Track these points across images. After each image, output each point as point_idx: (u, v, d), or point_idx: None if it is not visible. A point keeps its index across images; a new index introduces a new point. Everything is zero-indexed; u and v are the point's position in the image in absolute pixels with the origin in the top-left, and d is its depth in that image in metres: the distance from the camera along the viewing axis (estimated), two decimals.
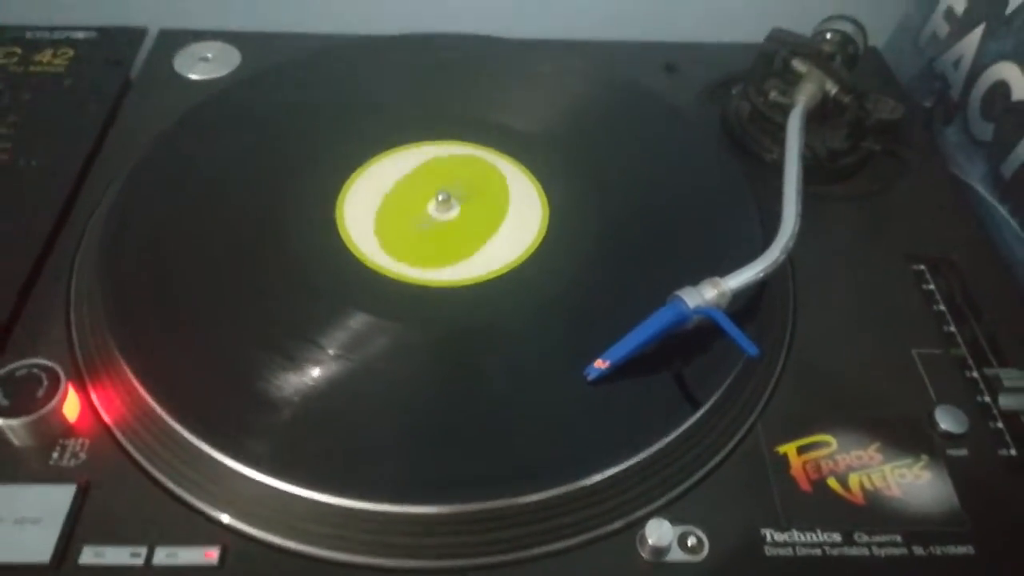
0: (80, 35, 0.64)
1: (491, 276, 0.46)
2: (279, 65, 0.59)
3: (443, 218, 0.50)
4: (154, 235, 0.47)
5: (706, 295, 0.41)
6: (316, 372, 0.41)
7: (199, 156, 0.52)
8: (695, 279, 0.42)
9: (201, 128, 0.54)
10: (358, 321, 0.43)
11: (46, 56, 0.62)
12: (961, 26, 0.59)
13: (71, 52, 0.62)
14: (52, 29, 0.64)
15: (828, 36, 0.56)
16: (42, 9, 0.65)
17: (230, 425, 0.39)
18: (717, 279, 0.41)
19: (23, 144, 0.54)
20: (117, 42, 0.63)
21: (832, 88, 0.52)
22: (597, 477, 0.38)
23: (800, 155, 0.48)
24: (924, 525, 0.39)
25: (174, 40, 0.64)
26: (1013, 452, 0.41)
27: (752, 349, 0.39)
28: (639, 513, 0.38)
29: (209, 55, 0.63)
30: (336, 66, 0.60)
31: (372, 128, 0.55)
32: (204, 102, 0.56)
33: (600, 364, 0.40)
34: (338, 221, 0.49)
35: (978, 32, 0.57)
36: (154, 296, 0.44)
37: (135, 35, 0.64)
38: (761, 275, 0.42)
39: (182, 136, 0.53)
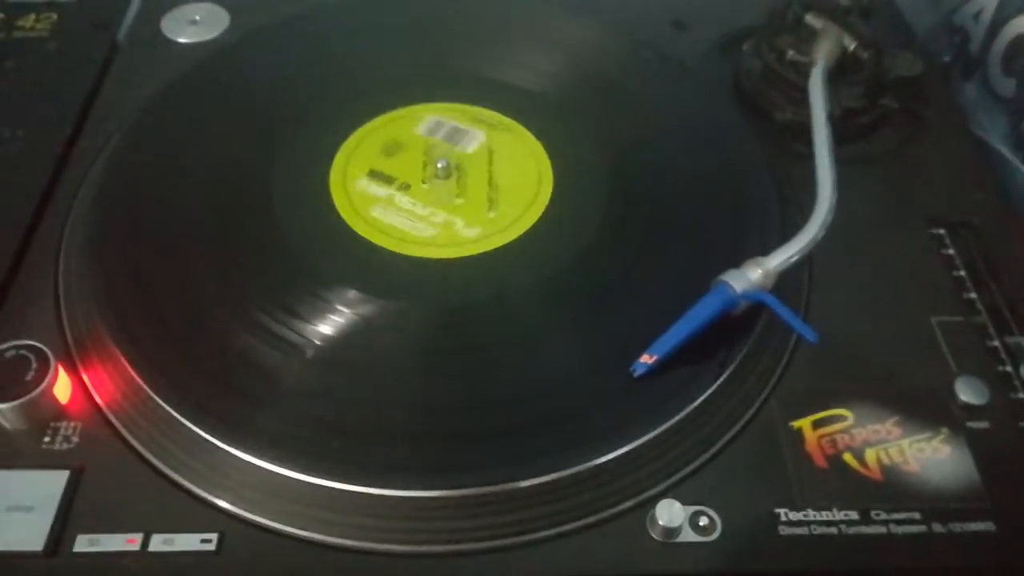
0: None
1: (495, 247, 0.45)
2: (267, 27, 0.57)
3: (443, 186, 0.48)
4: (144, 209, 0.46)
5: (751, 277, 0.39)
6: (313, 352, 0.40)
7: (188, 126, 0.50)
8: (709, 248, 0.40)
9: (190, 96, 0.52)
10: (356, 299, 0.42)
11: (29, 21, 0.60)
12: None
13: (55, 16, 0.60)
14: None
15: None
16: None
17: (225, 407, 0.38)
18: (760, 258, 0.39)
19: (7, 114, 0.52)
20: (102, 4, 0.61)
21: (850, 44, 0.50)
22: (605, 457, 0.36)
23: (828, 119, 0.45)
24: (943, 501, 0.37)
25: (161, 2, 0.61)
26: None
27: (811, 335, 0.37)
28: (649, 493, 0.37)
29: (197, 17, 0.61)
30: (326, 27, 0.57)
31: (364, 91, 0.53)
32: (192, 69, 0.54)
33: (647, 359, 0.38)
34: (333, 193, 0.47)
35: None
36: (145, 274, 0.43)
37: None
38: (804, 253, 0.40)
39: (170, 105, 0.51)
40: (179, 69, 0.54)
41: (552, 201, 0.47)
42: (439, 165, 0.48)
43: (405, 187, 0.48)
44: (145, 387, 0.38)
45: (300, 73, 0.54)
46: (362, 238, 0.45)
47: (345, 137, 0.50)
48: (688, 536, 0.36)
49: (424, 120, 0.51)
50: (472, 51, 0.56)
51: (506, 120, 0.52)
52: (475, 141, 0.50)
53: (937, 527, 0.37)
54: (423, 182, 0.48)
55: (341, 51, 0.55)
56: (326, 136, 0.50)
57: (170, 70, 0.54)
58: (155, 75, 0.54)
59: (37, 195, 0.48)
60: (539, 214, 0.46)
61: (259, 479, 0.36)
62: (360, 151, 0.49)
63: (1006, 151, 0.54)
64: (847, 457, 0.39)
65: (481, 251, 0.44)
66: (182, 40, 0.59)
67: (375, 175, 0.48)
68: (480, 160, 0.49)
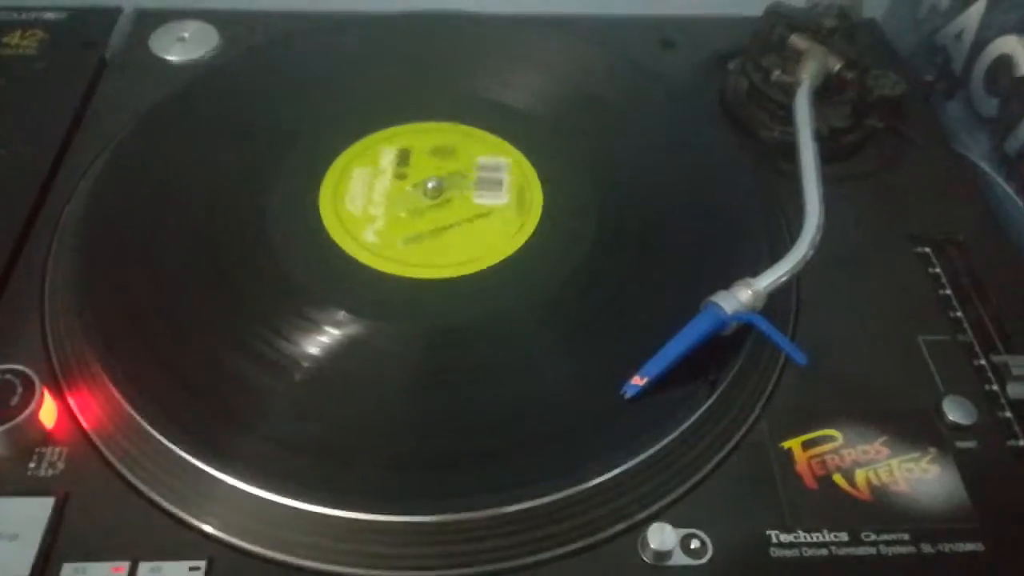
0: (51, 15, 0.61)
1: (484, 267, 0.45)
2: (256, 48, 0.57)
3: (432, 206, 0.48)
4: (131, 230, 0.45)
5: (741, 298, 0.39)
6: (302, 376, 0.40)
7: (176, 145, 0.50)
8: (698, 269, 0.40)
9: (178, 116, 0.52)
10: (345, 321, 0.42)
11: (15, 38, 0.59)
12: None
13: (41, 33, 0.60)
14: (21, 10, 0.61)
15: (826, 9, 0.53)
16: None
17: (212, 432, 0.37)
18: (749, 279, 0.39)
19: None
20: (90, 22, 0.61)
21: (835, 64, 0.50)
22: (596, 480, 0.36)
23: (814, 139, 0.45)
24: (932, 522, 0.38)
25: (150, 20, 0.61)
26: (1022, 442, 0.40)
27: (800, 357, 0.37)
28: (640, 516, 0.37)
29: (186, 35, 0.60)
30: (314, 47, 0.57)
31: (355, 112, 0.53)
32: (180, 88, 0.53)
33: (637, 381, 0.38)
34: (322, 214, 0.47)
35: (981, 4, 0.56)
36: (132, 296, 0.42)
37: (109, 15, 0.62)
38: (792, 273, 0.40)
39: (157, 126, 0.51)
40: (167, 87, 0.54)
41: (542, 222, 0.47)
42: (429, 185, 0.48)
43: (399, 208, 0.48)
44: (131, 411, 0.38)
45: (288, 94, 0.54)
46: (352, 258, 0.45)
47: (334, 158, 0.50)
48: (679, 559, 0.36)
49: (407, 140, 0.51)
50: (462, 72, 0.56)
51: (496, 139, 0.52)
52: (467, 159, 0.51)
53: (926, 548, 0.37)
54: (414, 201, 0.48)
55: (329, 71, 0.55)
56: (315, 156, 0.50)
57: (158, 88, 0.54)
58: (143, 93, 0.54)
59: (23, 215, 0.48)
60: (529, 235, 0.46)
61: (247, 504, 0.36)
62: (349, 170, 0.49)
63: (989, 168, 0.54)
64: (837, 478, 0.39)
65: (479, 269, 0.45)
66: (170, 58, 0.59)
67: (366, 198, 0.48)
68: (471, 179, 0.49)
